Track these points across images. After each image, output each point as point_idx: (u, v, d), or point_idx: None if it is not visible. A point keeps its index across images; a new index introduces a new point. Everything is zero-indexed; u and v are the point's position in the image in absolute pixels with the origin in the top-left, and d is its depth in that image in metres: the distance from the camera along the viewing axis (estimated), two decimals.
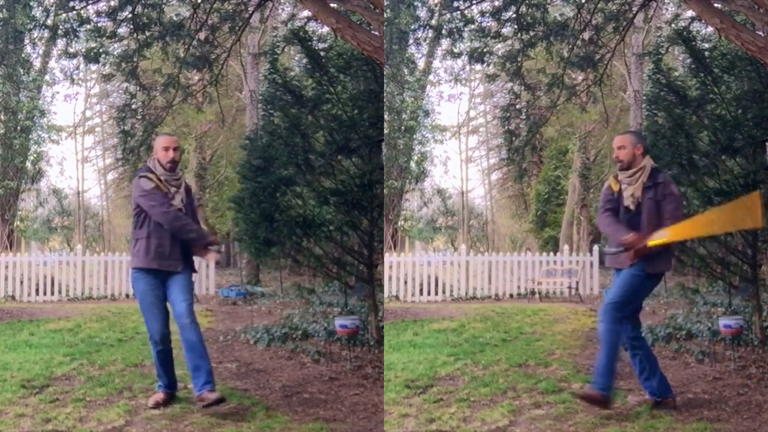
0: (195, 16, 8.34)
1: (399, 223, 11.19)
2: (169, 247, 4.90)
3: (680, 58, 8.53)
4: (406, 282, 10.50)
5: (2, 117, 10.18)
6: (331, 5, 6.55)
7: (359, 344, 6.86)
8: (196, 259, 5.19)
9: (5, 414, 4.78)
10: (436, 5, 9.14)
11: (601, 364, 4.74)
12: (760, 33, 5.88)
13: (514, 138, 9.55)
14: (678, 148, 6.92)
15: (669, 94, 7.24)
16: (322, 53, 7.58)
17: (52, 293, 10.02)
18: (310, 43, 7.54)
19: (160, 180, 4.92)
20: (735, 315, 7.18)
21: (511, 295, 10.70)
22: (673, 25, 9.01)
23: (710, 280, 8.27)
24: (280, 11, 10.13)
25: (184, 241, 4.96)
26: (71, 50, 8.68)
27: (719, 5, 6.03)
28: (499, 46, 9.20)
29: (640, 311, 4.98)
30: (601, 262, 11.06)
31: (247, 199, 7.51)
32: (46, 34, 8.75)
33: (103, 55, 8.45)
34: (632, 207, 4.82)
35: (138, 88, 8.86)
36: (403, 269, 10.50)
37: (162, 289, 4.95)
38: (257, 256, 7.93)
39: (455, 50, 9.20)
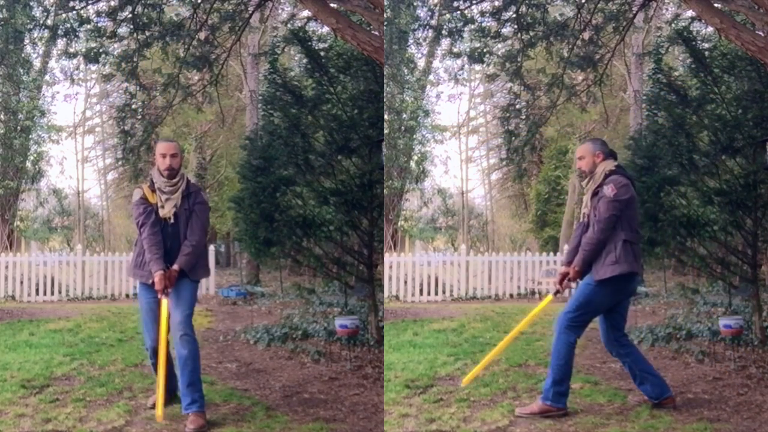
0: (195, 16, 8.33)
1: (399, 223, 11.19)
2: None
3: (680, 58, 8.52)
4: (406, 282, 10.49)
5: (2, 117, 10.18)
6: (331, 5, 6.55)
7: (359, 344, 6.86)
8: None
9: (5, 414, 4.79)
10: (436, 5, 9.14)
11: (550, 375, 4.77)
12: (760, 33, 5.87)
13: (513, 138, 9.55)
14: (678, 148, 6.93)
15: (669, 93, 7.25)
16: (322, 53, 7.58)
17: (52, 293, 10.01)
18: (310, 43, 7.54)
19: (153, 190, 4.82)
20: (735, 315, 7.18)
21: (511, 295, 10.70)
22: (673, 25, 9.01)
23: (710, 280, 8.28)
24: (280, 11, 10.13)
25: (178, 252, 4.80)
26: (71, 50, 8.68)
27: (719, 5, 6.03)
28: (499, 46, 9.19)
29: (623, 320, 4.92)
30: None
31: (247, 199, 7.51)
32: (46, 34, 8.74)
33: (103, 55, 8.45)
34: (585, 215, 4.88)
35: (138, 88, 8.86)
36: (403, 269, 10.50)
37: (158, 302, 4.78)
38: (257, 256, 7.93)
39: (455, 50, 9.21)
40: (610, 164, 4.83)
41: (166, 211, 4.79)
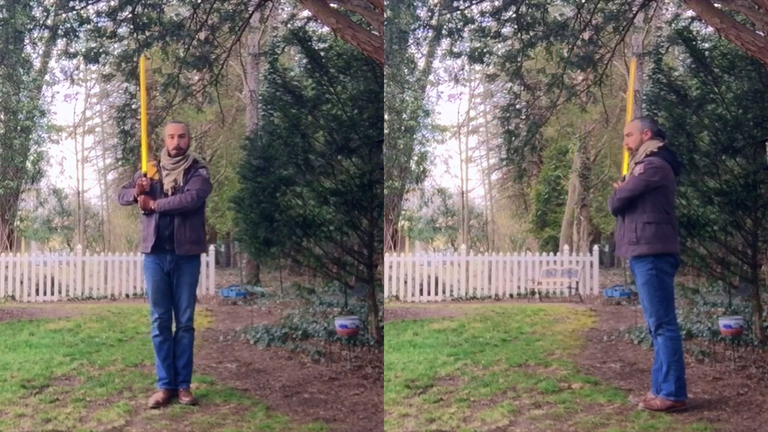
0: (195, 16, 8.33)
1: (399, 223, 11.20)
2: (163, 228, 5.04)
3: (680, 58, 8.52)
4: (406, 282, 10.50)
5: (2, 117, 10.19)
6: (331, 5, 6.55)
7: (359, 344, 6.86)
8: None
9: (5, 414, 4.79)
10: (436, 5, 9.14)
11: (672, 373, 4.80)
12: (760, 33, 5.87)
13: (513, 138, 9.55)
14: (678, 148, 6.92)
15: (669, 93, 7.24)
16: (322, 53, 7.57)
17: (52, 293, 10.02)
18: (310, 43, 7.54)
19: (157, 168, 5.13)
20: (735, 315, 7.18)
21: (511, 295, 10.71)
22: (673, 25, 9.01)
23: (710, 280, 8.26)
24: (280, 11, 10.13)
25: (185, 226, 5.05)
26: (71, 50, 8.69)
27: (719, 5, 6.03)
28: (499, 46, 9.19)
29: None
30: (601, 262, 11.08)
31: (247, 199, 7.51)
32: (46, 34, 8.75)
33: (103, 55, 8.46)
34: None
35: (139, 88, 8.86)
36: (403, 269, 10.50)
37: (167, 277, 5.07)
38: (257, 256, 7.92)
39: (455, 50, 9.21)
40: (653, 145, 4.88)
41: (166, 185, 5.08)
